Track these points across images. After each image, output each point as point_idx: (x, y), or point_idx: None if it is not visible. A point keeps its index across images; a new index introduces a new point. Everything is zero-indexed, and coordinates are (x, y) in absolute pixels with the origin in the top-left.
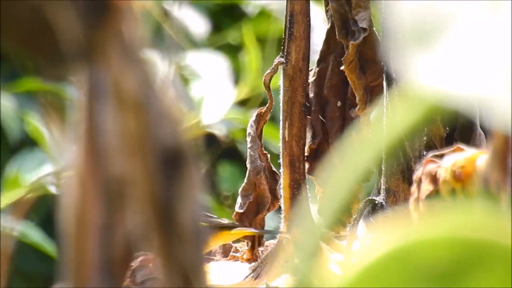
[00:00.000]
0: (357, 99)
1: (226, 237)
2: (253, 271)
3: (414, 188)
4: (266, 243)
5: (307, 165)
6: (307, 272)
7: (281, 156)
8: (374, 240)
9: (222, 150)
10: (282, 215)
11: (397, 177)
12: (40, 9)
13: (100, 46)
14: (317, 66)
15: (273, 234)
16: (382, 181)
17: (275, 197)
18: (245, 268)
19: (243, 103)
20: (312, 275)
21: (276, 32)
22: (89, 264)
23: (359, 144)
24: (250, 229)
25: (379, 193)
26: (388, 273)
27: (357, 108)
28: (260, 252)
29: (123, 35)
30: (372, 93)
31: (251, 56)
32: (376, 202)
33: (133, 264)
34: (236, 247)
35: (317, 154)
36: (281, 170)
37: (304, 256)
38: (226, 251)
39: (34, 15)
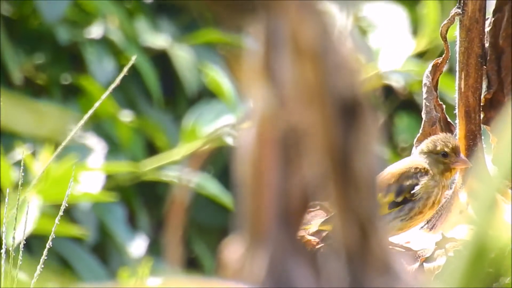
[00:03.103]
0: None
1: None
2: (428, 221)
3: None
4: None
5: (481, 115)
6: (483, 222)
7: (456, 107)
8: None
9: (399, 101)
10: None
11: None
12: None
13: None
14: (493, 16)
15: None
16: None
17: None
18: None
19: (421, 55)
20: (488, 226)
21: None
22: (265, 215)
23: None
24: None
25: None
26: None
27: None
28: None
29: None
30: None
31: (430, 8)
32: None
33: (308, 214)
34: None
35: (492, 104)
36: (457, 121)
37: (480, 207)
38: None
39: None
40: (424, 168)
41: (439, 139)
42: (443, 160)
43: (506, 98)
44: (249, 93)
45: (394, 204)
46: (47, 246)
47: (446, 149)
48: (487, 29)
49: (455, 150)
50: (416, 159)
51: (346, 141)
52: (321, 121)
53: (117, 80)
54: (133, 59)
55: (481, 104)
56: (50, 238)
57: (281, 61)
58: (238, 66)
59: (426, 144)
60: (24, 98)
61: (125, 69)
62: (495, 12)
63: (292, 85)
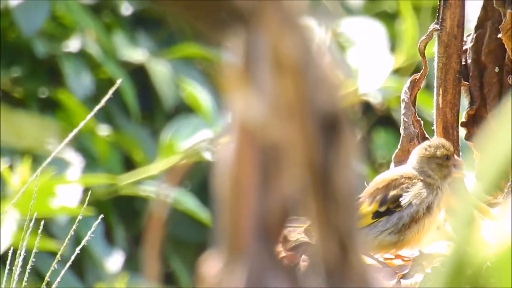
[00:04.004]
0: None
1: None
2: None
3: None
4: None
5: (465, 131)
6: (460, 239)
7: (434, 123)
8: None
9: (377, 117)
10: None
11: None
12: None
13: (259, 12)
14: (475, 32)
15: None
16: None
17: None
18: None
19: (398, 71)
20: (466, 243)
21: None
22: (244, 230)
23: None
24: None
25: None
26: None
27: None
28: None
29: (282, 1)
30: None
31: (408, 24)
32: None
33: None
34: None
35: (475, 120)
36: (435, 137)
37: (458, 224)
38: None
39: None
40: (416, 178)
41: (438, 144)
42: (447, 163)
43: (489, 114)
44: (228, 107)
45: (378, 214)
46: (52, 267)
47: (447, 152)
48: (469, 45)
49: (453, 152)
50: (407, 168)
51: (326, 156)
52: (301, 136)
53: (102, 102)
54: (118, 82)
55: (464, 120)
56: (56, 259)
57: (261, 75)
58: (219, 80)
59: (423, 150)
60: (3, 110)
61: (110, 92)
62: (477, 28)
63: (272, 99)
